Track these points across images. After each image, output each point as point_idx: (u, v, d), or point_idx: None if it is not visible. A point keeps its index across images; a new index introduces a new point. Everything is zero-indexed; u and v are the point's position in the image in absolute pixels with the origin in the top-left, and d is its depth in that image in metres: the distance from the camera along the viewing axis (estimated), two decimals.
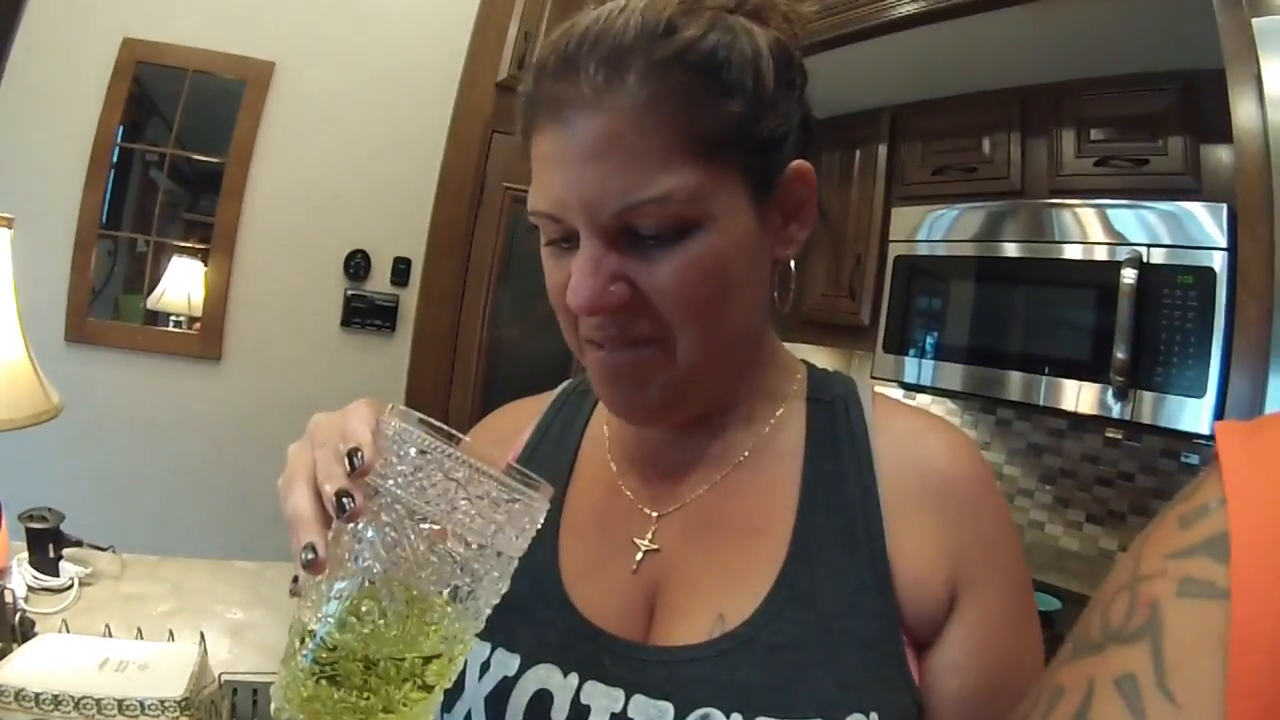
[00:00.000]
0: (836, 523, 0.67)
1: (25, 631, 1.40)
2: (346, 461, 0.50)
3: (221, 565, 1.98)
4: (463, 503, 0.49)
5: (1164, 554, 0.38)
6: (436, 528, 0.49)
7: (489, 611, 0.52)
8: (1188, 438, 1.94)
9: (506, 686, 0.66)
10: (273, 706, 0.50)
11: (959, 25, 2.22)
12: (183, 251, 3.20)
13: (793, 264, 0.73)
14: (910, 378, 2.60)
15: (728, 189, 0.63)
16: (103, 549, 1.88)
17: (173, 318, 3.21)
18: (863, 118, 2.96)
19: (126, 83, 2.98)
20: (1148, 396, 1.93)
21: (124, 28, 2.97)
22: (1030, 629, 0.69)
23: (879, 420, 0.73)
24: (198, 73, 3.08)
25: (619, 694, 0.63)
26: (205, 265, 3.17)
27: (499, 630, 0.64)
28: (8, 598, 1.40)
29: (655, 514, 0.73)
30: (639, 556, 0.71)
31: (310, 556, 0.48)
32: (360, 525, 0.49)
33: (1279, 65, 1.56)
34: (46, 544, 1.71)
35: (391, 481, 0.49)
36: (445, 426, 0.51)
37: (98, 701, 1.05)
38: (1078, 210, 2.15)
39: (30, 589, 1.66)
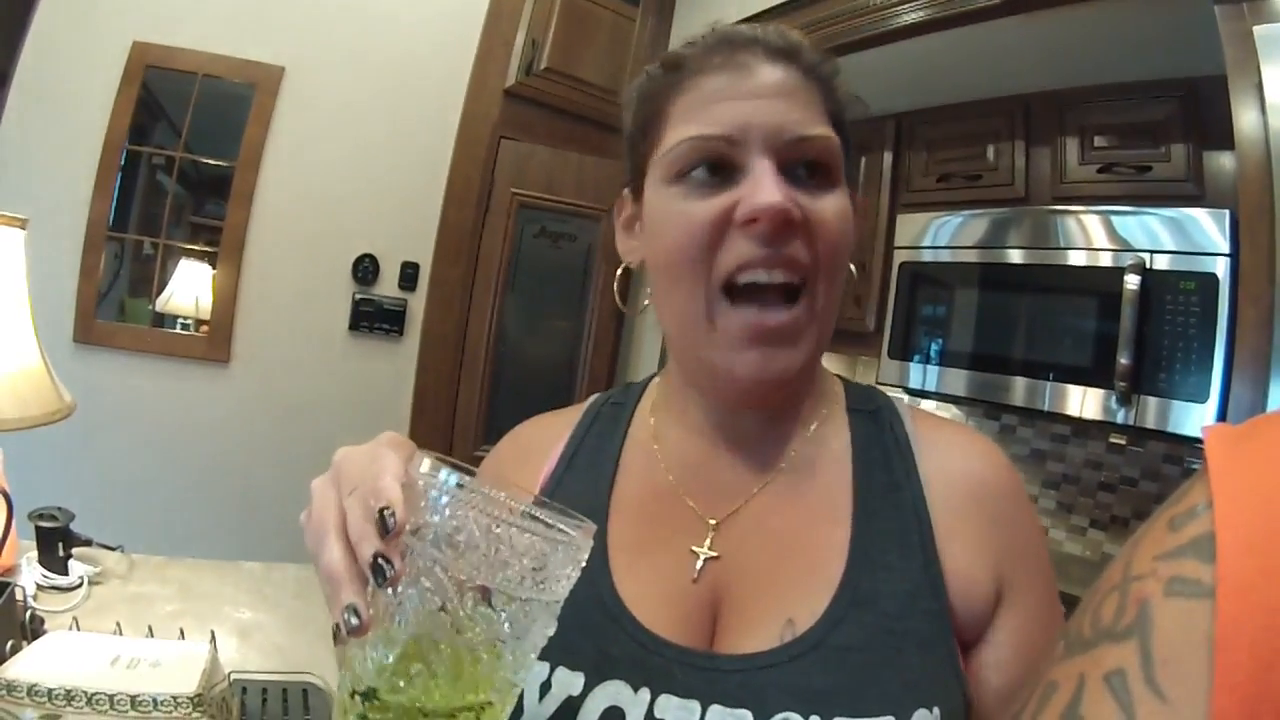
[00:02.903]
0: (891, 529, 0.69)
1: (35, 629, 1.41)
2: (379, 523, 0.48)
3: (228, 566, 1.98)
4: (504, 558, 0.48)
5: (1153, 555, 0.39)
6: (478, 584, 0.47)
7: (536, 655, 0.51)
8: (1191, 443, 1.95)
9: (572, 706, 0.65)
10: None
11: (962, 33, 2.24)
12: (190, 255, 3.24)
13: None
14: (915, 383, 2.61)
15: (842, 173, 0.72)
16: (112, 548, 1.89)
17: (180, 320, 3.25)
18: (867, 125, 2.93)
19: (136, 86, 3.02)
20: (1151, 402, 1.94)
21: (134, 31, 3.01)
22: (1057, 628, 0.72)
23: (920, 433, 0.76)
24: (207, 77, 3.12)
25: (694, 705, 0.63)
26: (214, 269, 3.21)
27: (557, 648, 0.60)
28: (18, 595, 1.41)
29: (713, 520, 0.74)
30: (699, 564, 0.71)
31: (355, 622, 0.47)
32: (400, 588, 0.48)
33: (1279, 72, 1.58)
34: (56, 543, 1.70)
35: (430, 541, 0.48)
36: (467, 466, 0.50)
37: (110, 697, 1.06)
38: (1081, 217, 2.17)
39: (40, 587, 1.66)
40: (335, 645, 0.50)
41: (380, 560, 0.47)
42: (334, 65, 3.31)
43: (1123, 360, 1.96)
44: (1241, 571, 0.34)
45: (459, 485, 0.48)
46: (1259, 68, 1.59)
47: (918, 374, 2.61)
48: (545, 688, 0.66)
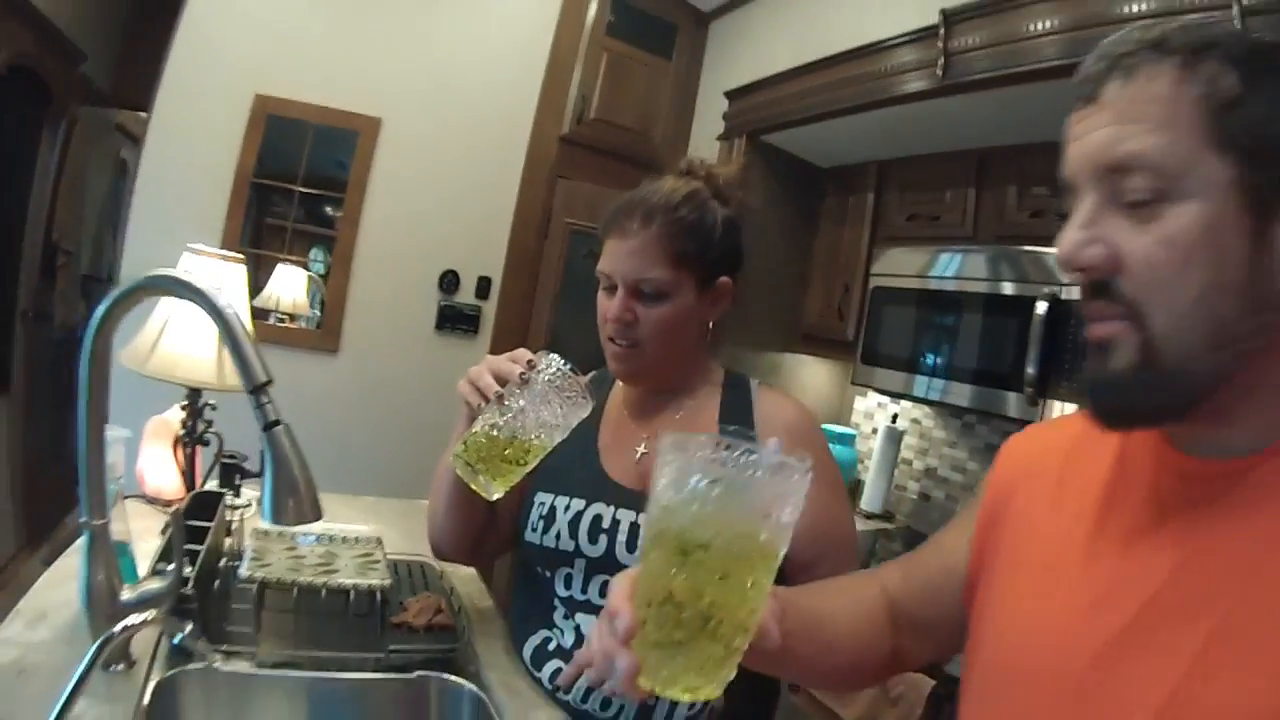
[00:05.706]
0: None
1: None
2: (526, 364, 1.15)
3: (349, 497, 2.36)
4: (559, 405, 1.12)
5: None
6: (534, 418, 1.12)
7: (553, 443, 1.14)
8: None
9: (579, 514, 1.28)
10: (452, 455, 1.13)
11: (939, 101, 2.52)
12: (289, 262, 3.68)
13: (711, 324, 1.36)
14: (883, 385, 2.90)
15: (687, 283, 1.27)
16: None
17: (275, 315, 3.69)
18: (857, 169, 3.28)
19: (260, 130, 3.50)
20: (1055, 405, 2.23)
21: (256, 86, 3.50)
22: (839, 506, 1.30)
23: (758, 398, 1.35)
24: (318, 124, 3.59)
25: (633, 514, 1.24)
26: (308, 274, 3.69)
27: (572, 487, 1.29)
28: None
29: (645, 435, 1.36)
30: (638, 456, 1.34)
31: (499, 391, 1.13)
32: (518, 393, 1.12)
33: None
34: (234, 474, 2.18)
35: (538, 380, 1.13)
36: (575, 369, 1.14)
37: (315, 535, 1.47)
38: (1014, 252, 2.43)
39: None
40: (476, 411, 1.12)
41: (523, 373, 1.10)
42: (422, 116, 3.73)
43: (1029, 370, 2.24)
44: (995, 474, 0.93)
45: (553, 370, 1.13)
46: None
47: (884, 378, 2.86)
48: (568, 507, 1.30)
